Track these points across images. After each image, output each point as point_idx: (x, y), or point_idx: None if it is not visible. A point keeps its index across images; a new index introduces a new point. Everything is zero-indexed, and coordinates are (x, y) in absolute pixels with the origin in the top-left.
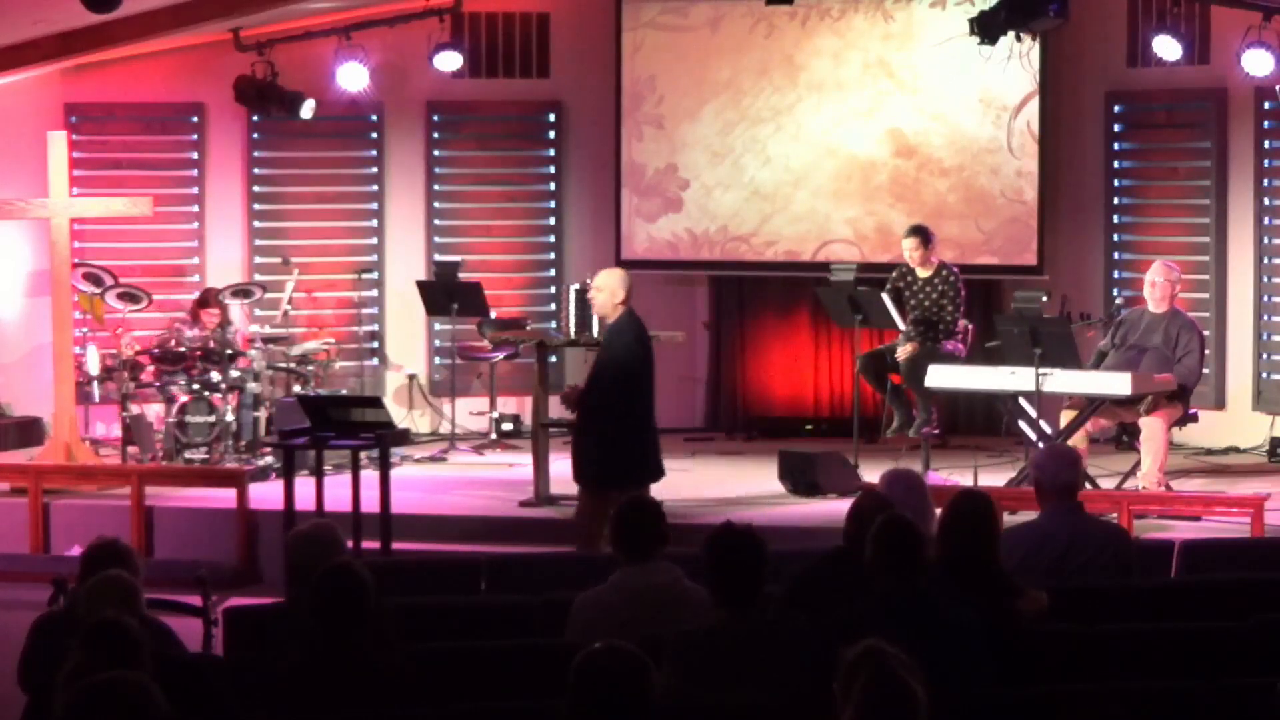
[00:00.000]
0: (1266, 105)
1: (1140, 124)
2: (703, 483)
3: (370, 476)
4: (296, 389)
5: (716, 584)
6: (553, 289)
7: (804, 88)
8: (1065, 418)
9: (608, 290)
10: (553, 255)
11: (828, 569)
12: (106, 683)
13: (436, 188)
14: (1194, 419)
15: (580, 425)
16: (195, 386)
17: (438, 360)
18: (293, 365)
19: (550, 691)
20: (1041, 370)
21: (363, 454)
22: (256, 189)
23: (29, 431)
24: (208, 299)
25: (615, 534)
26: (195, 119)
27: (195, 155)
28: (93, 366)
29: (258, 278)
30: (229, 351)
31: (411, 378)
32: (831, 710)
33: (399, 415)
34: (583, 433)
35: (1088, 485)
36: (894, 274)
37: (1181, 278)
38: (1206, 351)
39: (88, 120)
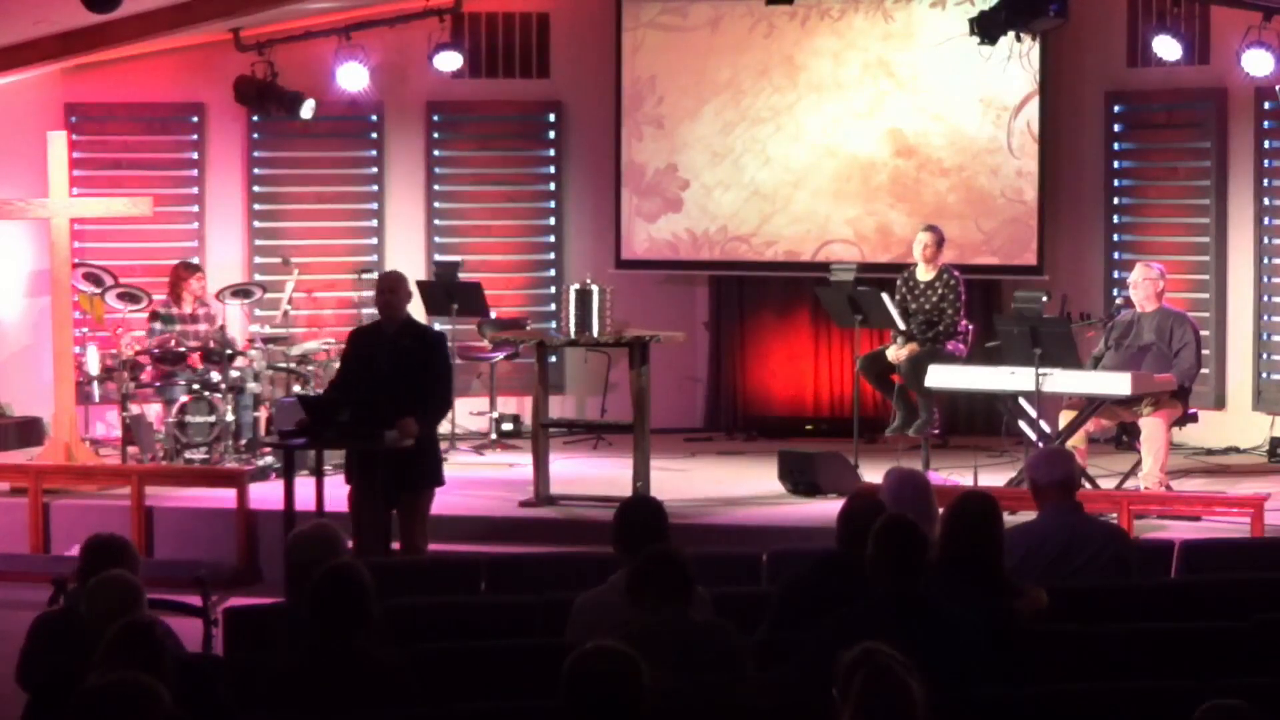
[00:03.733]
0: (1266, 105)
1: (1140, 124)
2: (703, 483)
3: None
4: (296, 389)
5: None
6: (553, 289)
7: (804, 88)
8: (1064, 418)
9: (405, 291)
10: (553, 255)
11: (822, 572)
12: (113, 684)
13: (436, 188)
14: (1194, 419)
15: (426, 432)
16: (195, 386)
17: None
18: (293, 365)
19: (550, 691)
20: (1041, 370)
21: None
22: (256, 189)
23: (29, 431)
24: (182, 274)
25: (617, 534)
26: (195, 119)
27: (195, 155)
28: (93, 366)
29: (258, 278)
30: (229, 351)
31: None
32: (829, 714)
33: None
34: (427, 438)
35: (1087, 485)
36: (898, 282)
37: (1164, 275)
38: (1205, 351)
39: (88, 120)
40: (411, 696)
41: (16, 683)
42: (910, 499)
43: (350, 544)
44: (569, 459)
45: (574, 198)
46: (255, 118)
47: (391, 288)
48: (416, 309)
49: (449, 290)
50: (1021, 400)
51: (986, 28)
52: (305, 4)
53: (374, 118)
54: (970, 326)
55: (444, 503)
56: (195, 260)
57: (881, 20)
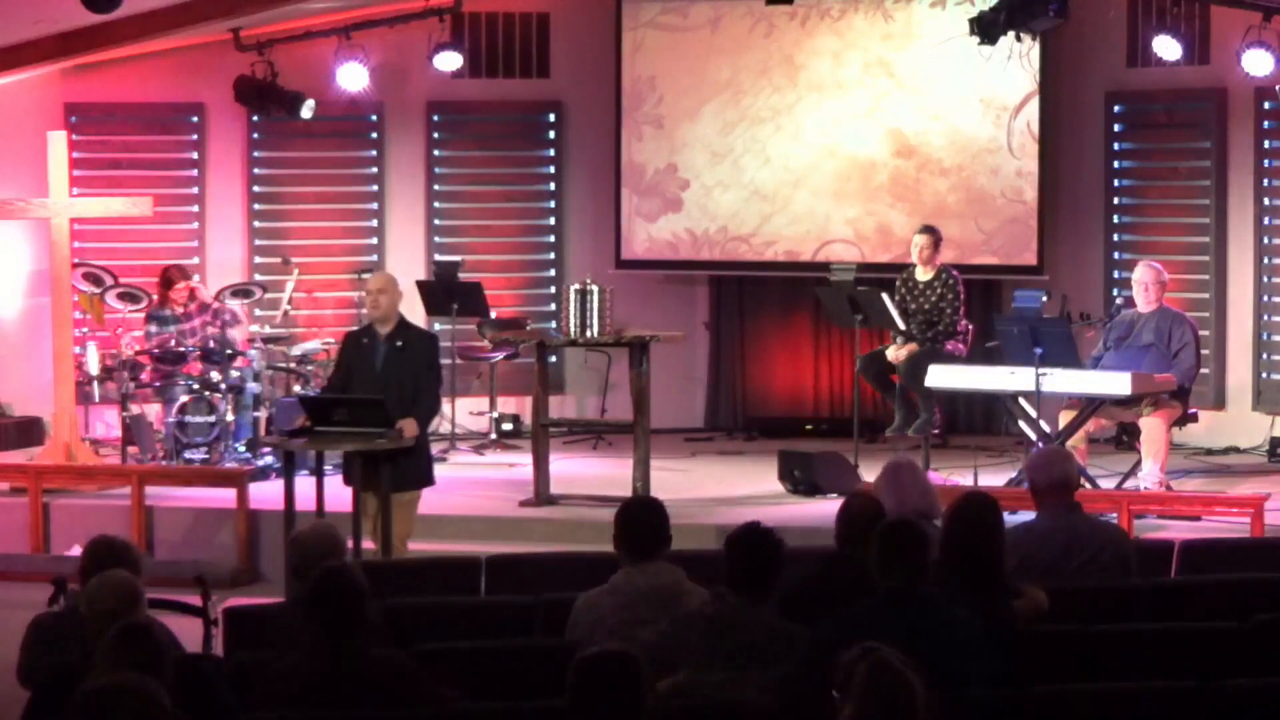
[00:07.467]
0: (1266, 105)
1: (1140, 124)
2: (703, 483)
3: None
4: (296, 389)
5: (733, 571)
6: (553, 289)
7: (804, 88)
8: (1064, 418)
9: (388, 292)
10: (553, 255)
11: (821, 573)
12: (113, 685)
13: (436, 188)
14: (1194, 419)
15: (421, 431)
16: (195, 386)
17: None
18: (293, 365)
19: (550, 691)
20: (1041, 370)
21: None
22: (256, 189)
23: (29, 431)
24: (171, 277)
25: (618, 534)
26: (195, 119)
27: (195, 155)
28: (93, 366)
29: (258, 278)
30: (229, 351)
31: None
32: (829, 714)
33: None
34: (418, 439)
35: (1087, 485)
36: (897, 282)
37: (1167, 276)
38: (1205, 351)
39: (88, 120)
40: (423, 692)
41: (17, 678)
42: (908, 485)
43: (350, 543)
44: (569, 459)
45: (574, 198)
46: (255, 118)
47: (372, 290)
48: (416, 309)
49: (449, 290)
50: (1021, 400)
51: (986, 28)
52: (305, 4)
53: (374, 118)
54: (970, 326)
55: (444, 503)
56: (184, 263)
57: (881, 20)
